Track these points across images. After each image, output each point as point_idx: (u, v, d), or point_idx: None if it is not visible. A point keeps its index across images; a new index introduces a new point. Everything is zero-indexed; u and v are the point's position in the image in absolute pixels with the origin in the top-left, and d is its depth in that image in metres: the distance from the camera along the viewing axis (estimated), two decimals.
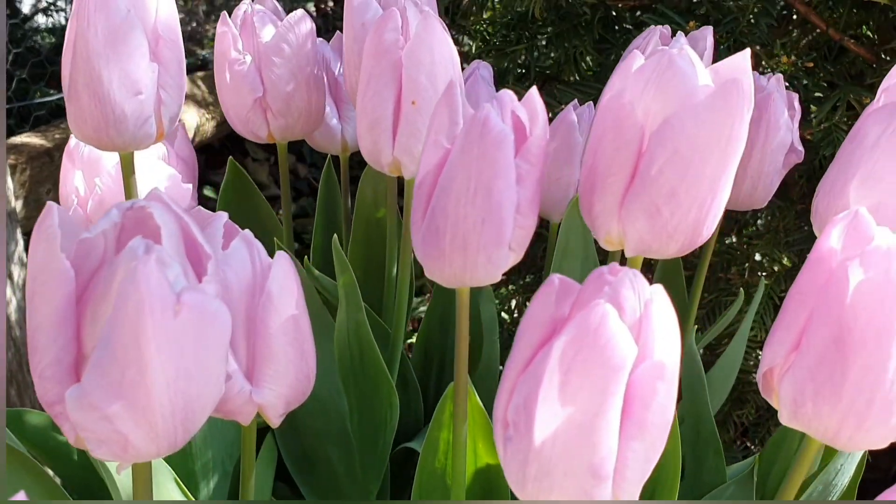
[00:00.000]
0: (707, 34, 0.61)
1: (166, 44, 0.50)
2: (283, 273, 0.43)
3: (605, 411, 0.32)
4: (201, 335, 0.35)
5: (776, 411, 0.40)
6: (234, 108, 0.66)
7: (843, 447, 0.38)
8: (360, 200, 0.74)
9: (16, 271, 1.05)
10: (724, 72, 0.42)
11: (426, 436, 0.53)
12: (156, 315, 0.33)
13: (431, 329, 0.75)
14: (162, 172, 0.63)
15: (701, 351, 0.72)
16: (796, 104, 0.64)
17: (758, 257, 0.90)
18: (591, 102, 0.69)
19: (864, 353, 0.36)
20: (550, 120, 0.70)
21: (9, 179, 1.05)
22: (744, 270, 0.92)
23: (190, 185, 0.66)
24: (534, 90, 0.41)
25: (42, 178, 1.28)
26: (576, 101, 0.69)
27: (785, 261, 0.87)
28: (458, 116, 0.41)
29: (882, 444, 0.38)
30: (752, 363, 0.90)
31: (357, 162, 0.71)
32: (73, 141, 0.66)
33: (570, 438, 0.32)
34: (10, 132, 1.35)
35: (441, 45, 0.53)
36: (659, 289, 0.33)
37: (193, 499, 0.55)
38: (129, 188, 0.54)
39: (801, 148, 0.64)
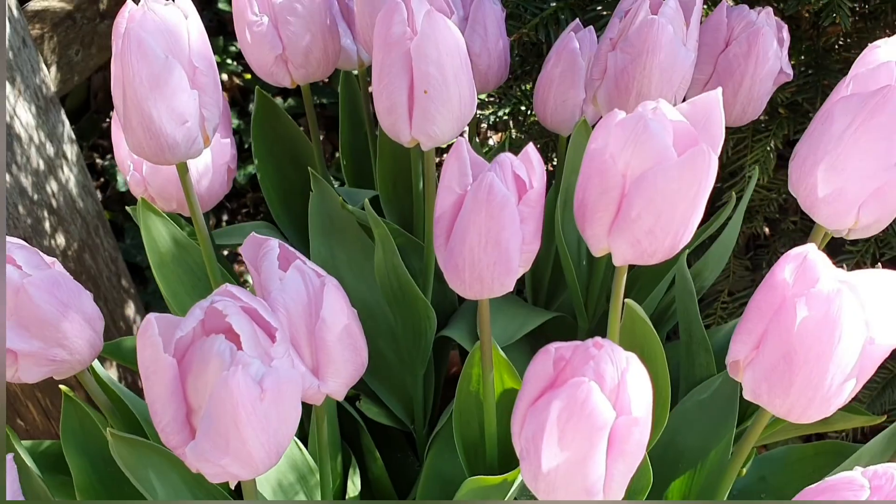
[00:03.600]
0: None
1: (202, 71, 0.56)
2: (333, 300, 0.52)
3: (593, 453, 0.42)
4: (281, 400, 0.45)
5: None
6: (257, 64, 0.71)
7: (791, 421, 0.49)
8: None
9: (68, 150, 1.14)
10: (698, 105, 0.47)
11: (462, 371, 0.64)
12: (247, 408, 0.42)
13: None
14: None
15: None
16: (785, 33, 0.66)
17: None
18: (591, 27, 0.71)
19: (805, 368, 0.45)
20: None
21: (45, 68, 1.10)
22: None
23: (228, 140, 0.73)
24: (530, 146, 0.47)
25: (69, 42, 1.31)
26: (577, 22, 0.72)
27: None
28: (466, 168, 0.48)
29: (823, 416, 0.48)
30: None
31: None
32: None
33: (568, 470, 0.43)
34: None
35: (446, 38, 0.57)
36: (632, 356, 0.42)
37: None
38: (186, 184, 0.61)
39: (789, 71, 0.68)
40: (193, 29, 0.56)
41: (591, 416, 0.41)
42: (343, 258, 0.77)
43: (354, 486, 0.79)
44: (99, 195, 1.47)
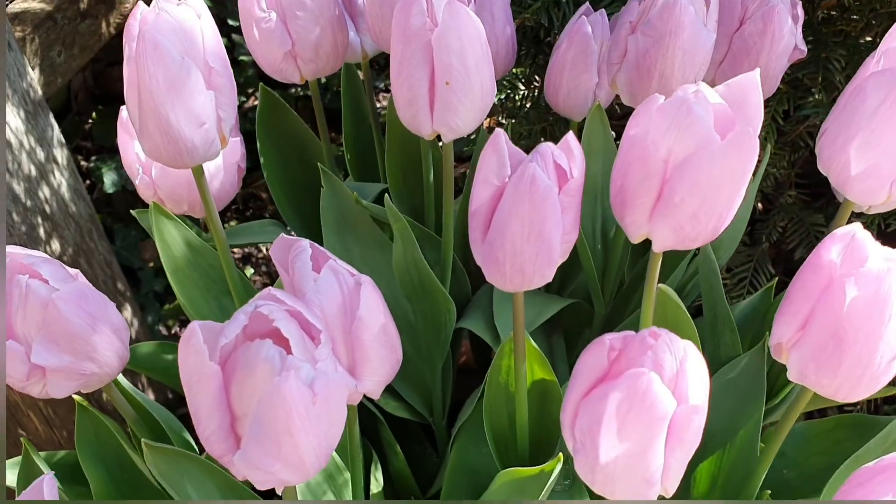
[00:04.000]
0: None
1: (217, 71, 0.54)
2: (369, 298, 0.51)
3: (653, 444, 0.42)
4: (331, 403, 0.44)
5: None
6: (265, 60, 0.69)
7: (838, 401, 0.49)
8: (390, 114, 0.78)
9: (58, 154, 1.12)
10: (735, 87, 0.47)
11: (493, 362, 0.63)
12: (301, 413, 0.42)
13: (468, 210, 0.83)
14: None
15: None
16: (799, 10, 0.66)
17: None
18: (603, 10, 0.71)
19: (855, 348, 0.45)
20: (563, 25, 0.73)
21: (31, 71, 1.08)
22: None
23: (237, 138, 0.71)
24: (570, 135, 0.46)
25: (50, 42, 1.28)
26: (587, 5, 0.71)
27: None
28: (505, 160, 0.47)
29: (870, 394, 0.49)
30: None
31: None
32: (124, 113, 0.70)
33: (627, 461, 0.43)
34: None
35: (468, 28, 0.56)
36: (690, 344, 0.42)
37: None
38: (202, 186, 0.60)
39: (803, 47, 0.68)
40: (207, 28, 0.55)
41: (652, 407, 0.40)
42: (357, 253, 0.76)
43: (377, 481, 0.78)
44: None
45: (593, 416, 0.43)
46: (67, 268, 0.53)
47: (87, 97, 1.61)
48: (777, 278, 0.82)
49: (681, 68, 0.59)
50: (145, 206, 0.82)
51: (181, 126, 0.53)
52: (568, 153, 0.47)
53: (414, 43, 0.57)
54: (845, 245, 0.45)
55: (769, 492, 0.65)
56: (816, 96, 0.92)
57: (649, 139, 0.45)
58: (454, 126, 0.59)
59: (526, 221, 0.47)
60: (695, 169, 0.45)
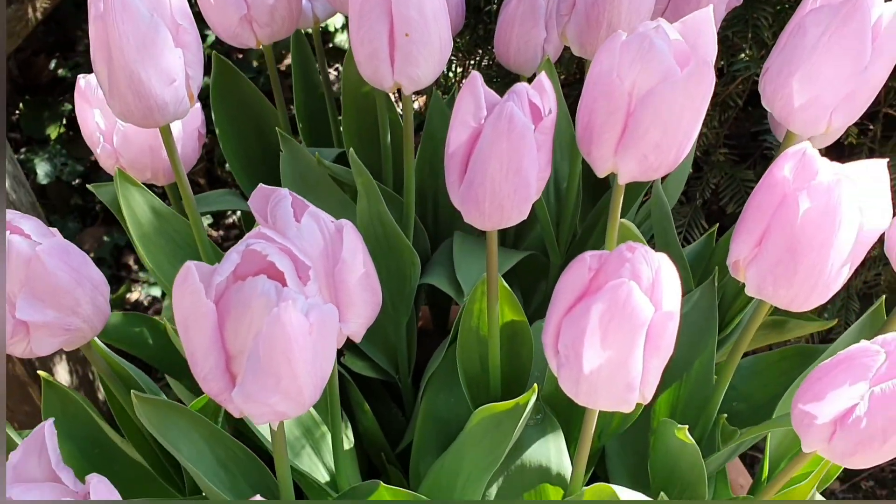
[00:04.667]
0: None
1: (184, 29, 0.55)
2: (352, 241, 0.53)
3: (634, 350, 0.45)
4: (325, 334, 0.46)
5: None
6: (221, 26, 0.70)
7: (794, 310, 0.52)
8: (345, 79, 0.80)
9: None
10: (689, 23, 0.50)
11: (463, 307, 0.66)
12: (299, 342, 0.43)
13: (424, 172, 0.85)
14: None
15: None
16: None
17: None
18: None
19: (809, 257, 0.49)
20: None
21: None
22: None
23: (197, 104, 0.72)
24: (543, 75, 0.49)
25: None
26: None
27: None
28: (481, 102, 0.49)
29: (820, 303, 0.52)
30: None
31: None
32: (82, 81, 0.70)
33: (610, 370, 0.45)
34: None
35: None
36: (663, 256, 0.45)
37: None
38: (170, 147, 0.61)
39: None
40: None
41: (632, 314, 0.43)
42: None
43: (349, 439, 0.80)
44: None
45: (577, 330, 0.45)
46: (45, 226, 0.53)
47: (13, 88, 1.58)
48: (718, 225, 0.87)
49: (627, 17, 0.62)
50: (84, 193, 0.81)
51: (152, 84, 0.54)
52: (541, 91, 0.49)
53: None
54: (797, 162, 0.49)
55: (725, 415, 0.69)
56: (748, 52, 0.97)
57: (615, 73, 0.48)
58: (415, 77, 0.61)
59: (504, 159, 0.49)
60: (658, 100, 0.48)
